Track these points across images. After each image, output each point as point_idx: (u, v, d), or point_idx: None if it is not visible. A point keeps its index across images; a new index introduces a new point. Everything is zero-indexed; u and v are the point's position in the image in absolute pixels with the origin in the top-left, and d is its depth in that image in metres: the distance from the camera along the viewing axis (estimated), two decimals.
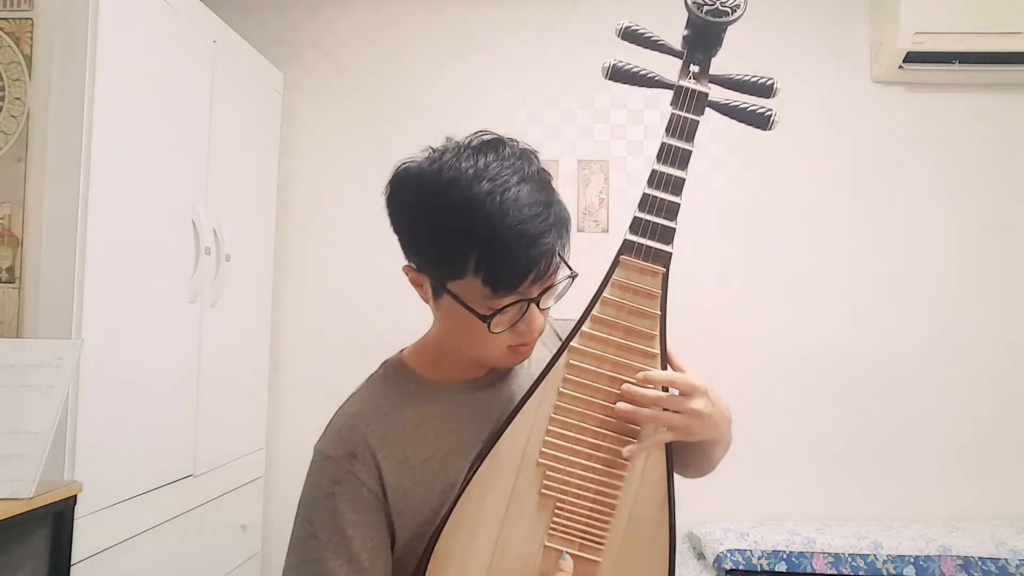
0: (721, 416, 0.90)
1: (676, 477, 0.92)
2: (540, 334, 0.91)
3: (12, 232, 1.52)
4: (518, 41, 2.62)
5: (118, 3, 1.59)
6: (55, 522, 1.43)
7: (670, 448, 0.90)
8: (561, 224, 0.86)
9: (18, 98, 1.53)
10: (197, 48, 1.96)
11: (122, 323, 1.64)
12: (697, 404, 0.86)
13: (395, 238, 0.93)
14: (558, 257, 0.85)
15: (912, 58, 2.39)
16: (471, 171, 0.82)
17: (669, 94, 0.93)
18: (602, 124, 2.59)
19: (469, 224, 0.80)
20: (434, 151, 0.87)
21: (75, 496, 1.46)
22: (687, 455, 0.99)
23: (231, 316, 2.14)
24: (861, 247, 2.52)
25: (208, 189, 2.00)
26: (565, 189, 2.56)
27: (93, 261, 1.53)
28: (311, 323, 2.60)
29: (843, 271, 2.52)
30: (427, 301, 0.93)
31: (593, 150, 2.58)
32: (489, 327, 0.84)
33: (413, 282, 0.92)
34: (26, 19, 1.54)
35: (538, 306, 0.86)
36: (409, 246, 0.90)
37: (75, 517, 1.46)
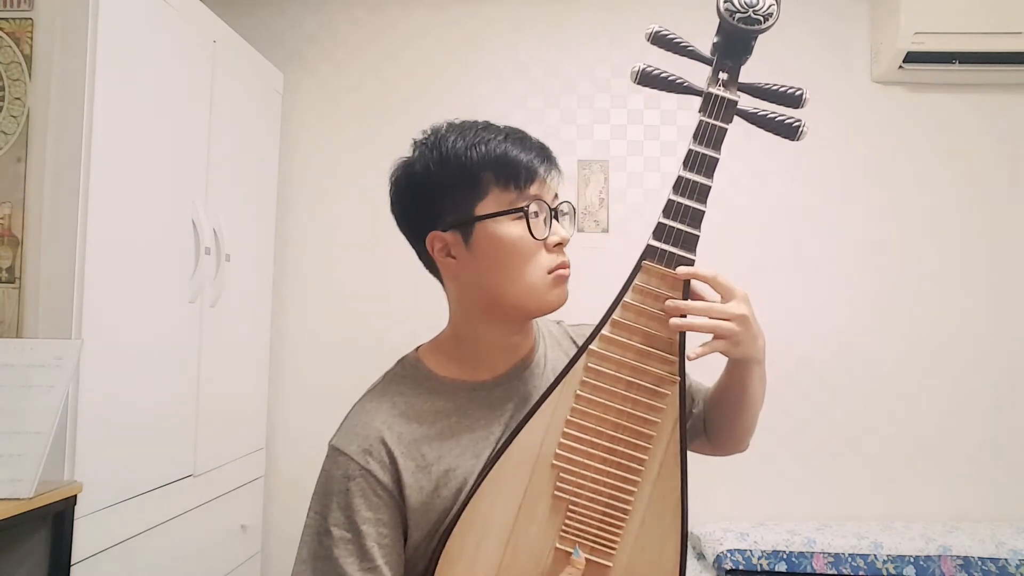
0: (758, 328, 0.93)
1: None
2: (566, 254, 0.94)
3: (12, 232, 1.52)
4: (518, 41, 2.62)
5: (118, 3, 1.59)
6: (55, 522, 1.43)
7: (685, 454, 0.91)
8: (546, 145, 0.97)
9: (18, 98, 1.53)
10: (197, 48, 1.96)
11: (122, 323, 1.64)
12: (740, 308, 0.89)
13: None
14: (558, 169, 0.96)
15: (912, 58, 2.39)
16: (463, 124, 0.96)
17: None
18: (602, 124, 2.59)
19: (478, 150, 0.91)
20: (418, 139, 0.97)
21: (75, 496, 1.45)
22: (729, 395, 1.00)
23: (231, 316, 2.14)
24: (860, 247, 2.52)
25: (208, 189, 2.00)
26: (565, 189, 2.55)
27: (93, 261, 1.53)
28: (311, 323, 2.60)
29: (842, 271, 2.52)
30: (456, 272, 0.94)
31: (593, 150, 2.58)
32: (529, 226, 0.89)
33: (440, 251, 0.94)
34: (26, 19, 1.54)
35: (556, 219, 0.94)
36: (431, 207, 0.93)
37: (75, 517, 1.46)
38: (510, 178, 0.90)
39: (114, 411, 1.61)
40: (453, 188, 0.91)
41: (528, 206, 0.90)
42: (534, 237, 0.90)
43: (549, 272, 0.91)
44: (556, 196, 0.95)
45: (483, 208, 0.91)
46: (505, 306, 0.93)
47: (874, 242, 2.52)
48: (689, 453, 0.93)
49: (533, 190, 0.92)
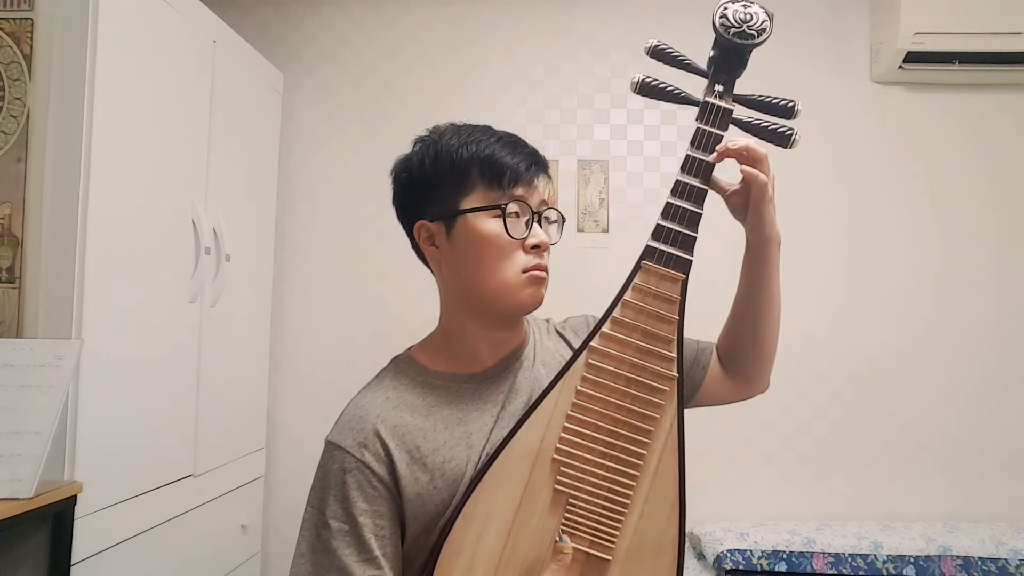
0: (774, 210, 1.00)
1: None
2: (547, 256, 0.97)
3: (12, 232, 1.52)
4: (518, 41, 2.62)
5: (118, 3, 1.59)
6: (55, 522, 1.43)
7: (683, 449, 0.92)
8: (539, 152, 0.99)
9: (18, 98, 1.53)
10: (197, 48, 1.96)
11: (122, 323, 1.64)
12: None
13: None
14: (547, 176, 0.98)
15: (912, 58, 2.39)
16: (462, 125, 0.99)
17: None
18: (602, 124, 2.59)
19: (469, 149, 0.94)
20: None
21: (75, 496, 1.46)
22: (751, 299, 1.07)
23: (231, 316, 2.14)
24: (859, 247, 2.52)
25: (208, 189, 2.00)
26: (565, 189, 2.56)
27: (93, 261, 1.53)
28: (311, 323, 2.60)
29: (841, 271, 2.52)
30: (438, 261, 0.98)
31: (593, 150, 2.58)
32: (505, 223, 0.92)
33: (426, 239, 0.98)
34: (26, 19, 1.54)
35: (539, 223, 0.96)
36: (422, 199, 0.97)
37: (75, 517, 1.47)
38: (495, 177, 0.93)
39: (114, 411, 1.61)
40: (442, 182, 0.95)
41: (507, 205, 0.93)
42: (510, 236, 0.92)
43: (524, 272, 0.93)
44: (544, 203, 0.98)
45: (467, 203, 0.94)
46: (480, 301, 0.95)
47: (873, 242, 2.52)
48: (688, 450, 0.95)
49: (518, 192, 0.94)
